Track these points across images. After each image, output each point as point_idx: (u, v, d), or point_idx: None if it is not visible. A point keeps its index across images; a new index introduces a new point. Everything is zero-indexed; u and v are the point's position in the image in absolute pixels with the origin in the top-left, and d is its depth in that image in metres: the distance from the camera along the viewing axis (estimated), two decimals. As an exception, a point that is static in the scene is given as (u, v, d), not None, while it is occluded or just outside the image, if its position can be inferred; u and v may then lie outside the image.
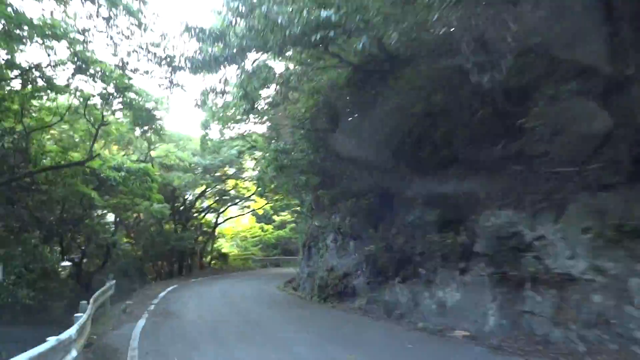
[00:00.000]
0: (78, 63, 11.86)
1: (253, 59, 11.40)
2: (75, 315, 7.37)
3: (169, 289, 19.89)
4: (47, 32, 10.30)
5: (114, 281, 14.51)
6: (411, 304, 10.43)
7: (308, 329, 10.21)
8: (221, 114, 18.79)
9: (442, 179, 10.08)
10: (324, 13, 8.12)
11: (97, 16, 10.57)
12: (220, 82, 11.95)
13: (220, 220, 35.68)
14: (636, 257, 6.19)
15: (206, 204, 33.56)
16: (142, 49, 11.05)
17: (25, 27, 10.05)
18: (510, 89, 8.47)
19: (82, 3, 10.13)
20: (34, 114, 13.73)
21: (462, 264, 9.12)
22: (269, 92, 15.42)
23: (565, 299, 6.99)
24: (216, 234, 35.87)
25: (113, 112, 14.70)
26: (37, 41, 10.77)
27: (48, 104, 14.94)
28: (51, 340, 4.98)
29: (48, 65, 11.96)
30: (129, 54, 11.51)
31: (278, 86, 13.52)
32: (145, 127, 14.90)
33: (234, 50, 10.01)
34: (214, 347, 8.36)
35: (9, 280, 10.09)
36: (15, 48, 10.93)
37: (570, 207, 7.25)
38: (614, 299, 6.32)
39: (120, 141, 21.86)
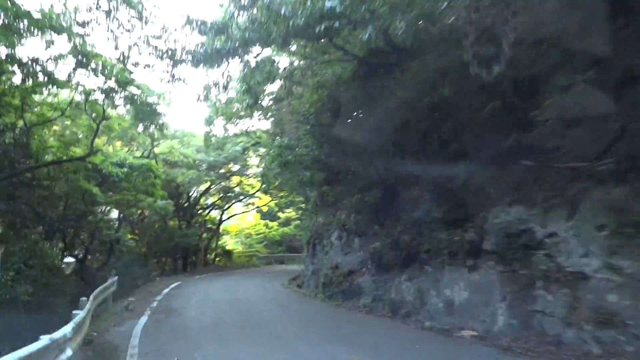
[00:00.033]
0: (79, 57, 11.70)
1: (256, 52, 11.22)
2: (73, 312, 7.20)
3: (172, 285, 19.81)
4: (46, 25, 10.13)
5: (116, 277, 14.38)
6: (417, 303, 10.20)
7: (312, 327, 10.02)
8: (225, 110, 18.65)
9: (450, 174, 9.84)
10: (328, 3, 7.87)
11: (98, 9, 10.42)
12: (222, 76, 11.74)
13: (224, 217, 35.60)
14: (654, 256, 5.95)
15: (210, 200, 33.46)
16: (143, 42, 10.87)
17: (25, 20, 9.88)
18: (521, 81, 8.22)
19: (82, -5, 10.00)
20: (35, 109, 13.60)
21: (470, 262, 8.87)
22: (272, 88, 15.27)
23: (579, 299, 6.74)
24: (220, 230, 35.78)
25: (115, 107, 14.53)
26: (36, 34, 10.60)
27: (50, 99, 14.83)
28: (44, 339, 4.80)
29: (49, 59, 11.81)
30: (130, 47, 11.35)
31: (282, 80, 13.32)
32: (148, 123, 14.71)
33: (237, 44, 9.80)
34: (215, 346, 8.19)
35: (7, 276, 9.95)
36: (16, 42, 10.76)
37: (584, 204, 6.99)
38: (630, 299, 6.07)
39: (124, 137, 21.73)
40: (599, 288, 6.48)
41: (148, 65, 11.80)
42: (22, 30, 10.26)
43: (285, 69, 13.18)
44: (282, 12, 8.49)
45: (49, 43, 11.15)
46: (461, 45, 7.21)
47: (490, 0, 6.83)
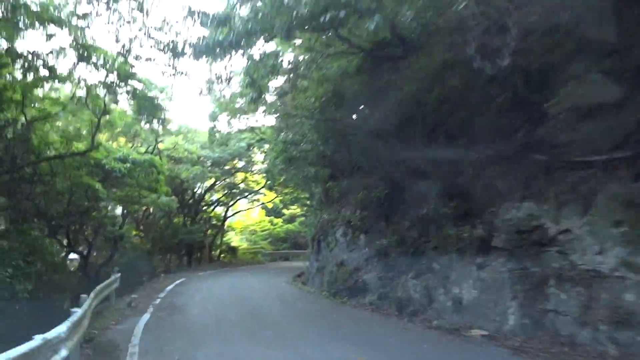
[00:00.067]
0: (80, 51, 11.52)
1: (260, 45, 10.98)
2: (72, 309, 7.02)
3: (177, 282, 19.71)
4: (45, 18, 9.94)
5: (119, 274, 14.26)
6: (425, 301, 9.96)
7: (317, 326, 9.83)
8: (229, 105, 18.40)
9: (458, 169, 9.57)
10: (333, -9, 7.62)
11: (98, 0, 10.21)
12: (225, 69, 11.52)
13: (229, 213, 35.49)
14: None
15: (215, 197, 33.35)
16: (145, 34, 10.66)
17: (23, 12, 9.70)
18: (532, 72, 7.92)
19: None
20: (36, 104, 13.43)
21: (479, 259, 8.62)
22: (277, 82, 15.01)
23: (594, 298, 6.47)
24: (225, 227, 35.70)
25: (116, 102, 14.35)
26: (36, 27, 10.43)
27: (52, 94, 14.68)
28: (37, 339, 4.62)
29: (50, 52, 11.63)
30: (131, 40, 11.13)
31: (286, 75, 13.07)
32: (150, 117, 14.54)
33: (239, 36, 9.56)
34: (218, 345, 8.01)
35: (5, 273, 9.79)
36: (15, 35, 10.60)
37: (599, 199, 6.71)
38: (649, 298, 5.81)
39: (128, 133, 21.60)
40: (615, 287, 6.22)
41: (150, 59, 11.62)
42: (20, 23, 10.07)
43: (289, 62, 12.92)
44: (286, 1, 8.25)
45: (49, 37, 10.99)
46: (465, 40, 6.96)
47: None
